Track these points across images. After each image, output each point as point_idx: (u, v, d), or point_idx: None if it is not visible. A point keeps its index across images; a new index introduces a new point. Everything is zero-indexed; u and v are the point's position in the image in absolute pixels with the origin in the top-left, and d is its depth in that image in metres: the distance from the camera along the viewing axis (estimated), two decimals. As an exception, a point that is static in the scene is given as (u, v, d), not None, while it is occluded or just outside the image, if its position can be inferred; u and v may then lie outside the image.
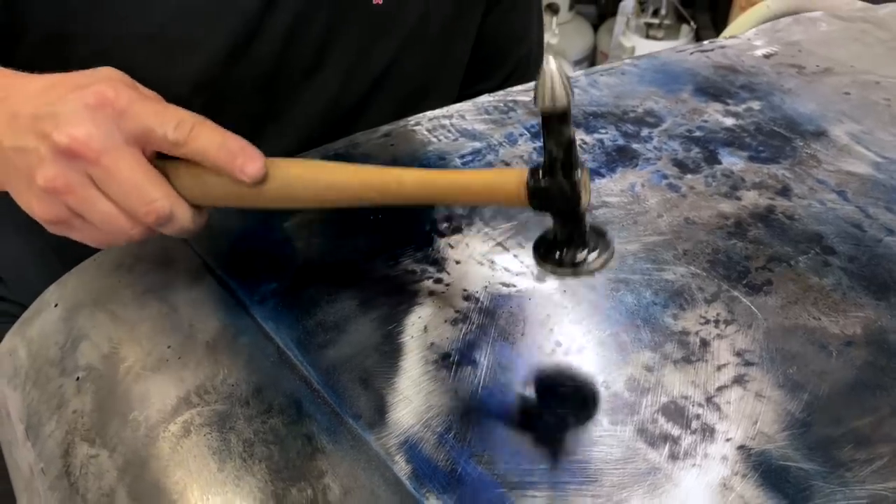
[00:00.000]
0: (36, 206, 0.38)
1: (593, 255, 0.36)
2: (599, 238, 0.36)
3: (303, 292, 0.43)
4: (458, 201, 0.41)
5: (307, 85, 0.57)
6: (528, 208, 0.36)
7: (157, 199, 0.38)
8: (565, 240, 0.36)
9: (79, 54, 0.42)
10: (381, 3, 0.56)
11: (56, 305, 0.47)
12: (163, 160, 0.40)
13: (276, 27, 0.53)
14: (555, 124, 0.33)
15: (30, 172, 0.37)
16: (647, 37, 1.99)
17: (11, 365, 0.46)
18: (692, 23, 2.02)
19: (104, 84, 0.37)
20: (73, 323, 0.45)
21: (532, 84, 0.63)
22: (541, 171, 0.35)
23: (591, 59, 2.15)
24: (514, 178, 0.36)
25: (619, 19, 2.04)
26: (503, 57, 0.70)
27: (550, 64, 0.32)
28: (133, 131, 0.37)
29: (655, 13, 2.02)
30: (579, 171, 0.34)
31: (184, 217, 0.39)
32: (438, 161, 0.53)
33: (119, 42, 0.46)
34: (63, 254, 0.47)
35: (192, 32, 0.51)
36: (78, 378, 0.42)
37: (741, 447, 0.33)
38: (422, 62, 0.60)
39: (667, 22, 2.01)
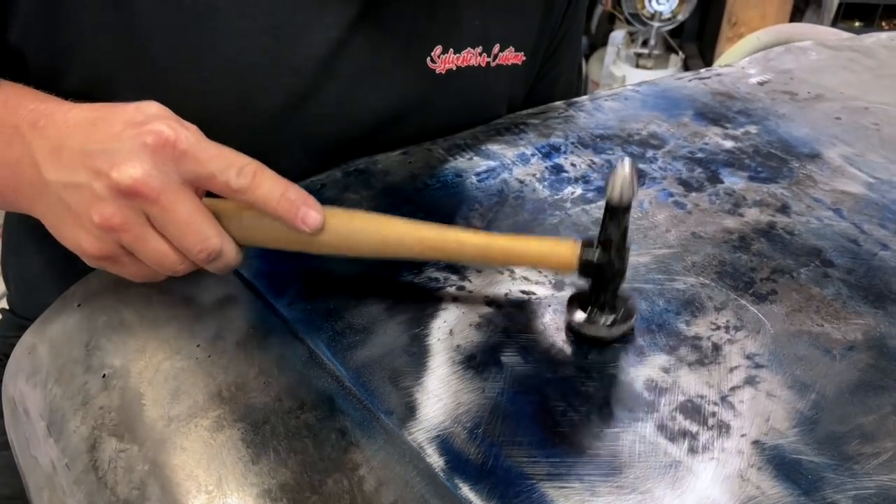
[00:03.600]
0: (86, 242, 0.39)
1: (620, 320, 0.40)
2: (624, 303, 0.41)
3: (330, 297, 0.44)
4: (513, 265, 0.45)
5: (358, 149, 0.56)
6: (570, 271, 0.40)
7: (210, 238, 0.39)
8: (599, 303, 0.40)
9: (122, 99, 0.42)
10: (444, 72, 0.57)
11: (79, 305, 0.47)
12: (210, 199, 0.41)
13: (331, 92, 0.53)
14: (619, 214, 0.38)
15: (83, 209, 0.38)
16: (637, 66, 2.05)
17: (30, 363, 0.47)
18: (680, 52, 2.08)
19: (161, 123, 0.37)
20: (98, 322, 0.46)
21: (541, 108, 0.66)
22: (596, 245, 0.39)
23: (583, 88, 2.21)
24: (568, 250, 0.40)
25: (610, 49, 2.10)
26: None
27: (625, 166, 0.36)
28: (193, 174, 0.38)
29: (645, 43, 2.08)
30: (628, 251, 0.39)
31: (230, 254, 0.40)
32: (455, 178, 0.55)
33: (166, 93, 0.45)
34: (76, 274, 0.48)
35: (243, 88, 0.50)
36: (104, 375, 0.43)
37: (756, 442, 0.35)
38: (469, 126, 0.61)
39: (656, 52, 2.08)
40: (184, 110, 0.39)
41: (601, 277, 0.40)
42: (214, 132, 0.39)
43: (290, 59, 0.51)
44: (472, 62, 0.58)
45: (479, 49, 0.58)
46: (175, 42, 0.48)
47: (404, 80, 0.56)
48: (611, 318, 0.40)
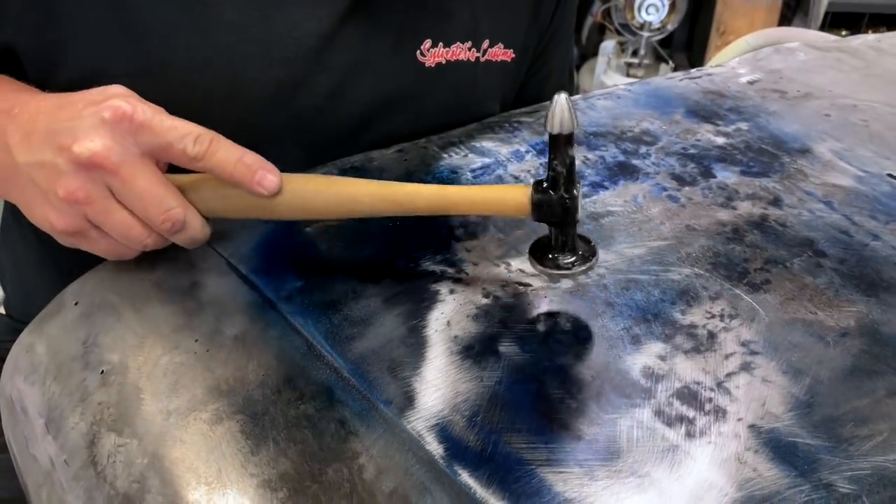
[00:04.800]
0: (54, 217, 0.40)
1: (581, 260, 0.41)
2: (586, 246, 0.42)
3: (328, 291, 0.44)
4: (468, 211, 0.44)
5: (350, 144, 0.57)
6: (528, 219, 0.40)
7: (173, 207, 0.40)
8: (559, 246, 0.41)
9: None
10: (433, 65, 0.58)
11: (76, 304, 0.47)
12: (172, 173, 0.42)
13: (322, 83, 0.54)
14: (561, 145, 0.38)
15: (49, 185, 0.39)
16: (628, 75, 2.07)
17: (29, 362, 0.47)
18: (670, 62, 2.10)
19: (119, 99, 0.39)
20: (96, 319, 0.46)
21: (534, 107, 0.67)
22: (544, 185, 0.40)
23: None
24: (519, 192, 0.40)
25: (601, 59, 2.12)
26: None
27: (561, 95, 0.37)
28: (151, 145, 0.39)
29: (635, 53, 2.11)
30: (578, 186, 0.39)
31: (196, 225, 0.41)
32: (451, 174, 0.55)
33: (159, 81, 0.47)
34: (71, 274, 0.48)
35: (234, 80, 0.51)
36: (103, 371, 0.43)
37: (752, 426, 0.36)
38: (461, 123, 0.62)
39: (646, 61, 2.10)
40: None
41: (553, 215, 0.40)
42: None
43: (281, 50, 0.52)
44: (462, 56, 0.59)
45: (469, 44, 0.59)
46: (168, 34, 0.49)
47: (394, 73, 0.56)
48: (571, 258, 0.41)
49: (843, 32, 2.32)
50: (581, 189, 0.40)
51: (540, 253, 0.42)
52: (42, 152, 0.39)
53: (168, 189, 0.40)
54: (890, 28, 2.27)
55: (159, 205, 0.40)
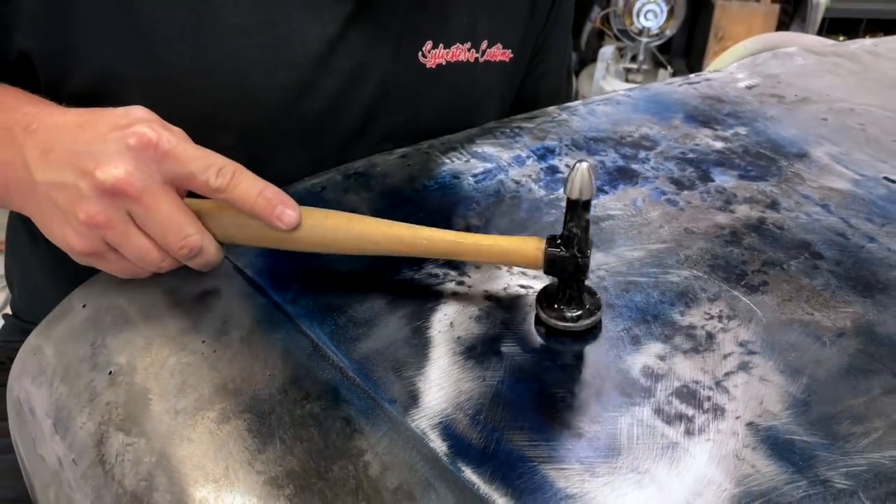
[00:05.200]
0: (72, 239, 0.40)
1: (587, 314, 0.42)
2: (592, 298, 0.42)
3: (332, 293, 0.45)
4: (481, 260, 0.45)
5: (353, 144, 0.58)
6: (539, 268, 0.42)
7: (191, 235, 0.40)
8: (566, 299, 0.42)
9: (128, 97, 0.43)
10: (434, 66, 0.59)
11: (84, 306, 0.48)
12: (191, 199, 0.42)
13: (328, 86, 0.55)
14: (579, 210, 0.39)
15: (70, 207, 0.39)
16: (627, 81, 2.08)
17: (36, 363, 0.47)
18: (669, 67, 2.12)
19: (144, 126, 0.39)
20: (103, 321, 0.46)
21: (534, 113, 0.68)
22: (558, 241, 0.41)
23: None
24: (532, 246, 0.41)
25: (600, 65, 2.14)
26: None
27: (583, 164, 0.38)
28: (174, 174, 0.39)
29: (634, 59, 2.12)
30: (591, 248, 0.40)
31: (211, 251, 0.42)
32: (453, 179, 0.56)
33: (168, 91, 0.47)
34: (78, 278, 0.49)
35: (243, 84, 0.52)
36: (111, 372, 0.43)
37: (750, 424, 0.36)
38: (461, 123, 0.63)
39: (644, 67, 2.11)
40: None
41: (565, 272, 0.41)
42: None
43: (288, 54, 0.53)
44: (461, 57, 0.60)
45: (468, 45, 0.60)
46: (176, 40, 0.50)
47: (396, 75, 0.58)
48: (577, 312, 0.41)
49: (841, 38, 2.33)
50: (592, 249, 0.41)
51: (546, 302, 0.42)
52: (63, 173, 0.39)
53: (187, 216, 0.41)
54: (887, 33, 2.28)
55: (178, 232, 0.40)
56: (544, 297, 0.43)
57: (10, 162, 0.41)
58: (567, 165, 0.58)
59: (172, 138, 0.39)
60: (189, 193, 0.43)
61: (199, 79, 0.51)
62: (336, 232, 0.42)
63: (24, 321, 0.68)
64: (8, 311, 0.73)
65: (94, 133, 0.39)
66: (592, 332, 0.42)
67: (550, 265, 0.41)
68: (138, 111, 0.41)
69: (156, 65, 0.50)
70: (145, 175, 0.39)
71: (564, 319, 0.41)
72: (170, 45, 0.50)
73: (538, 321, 0.42)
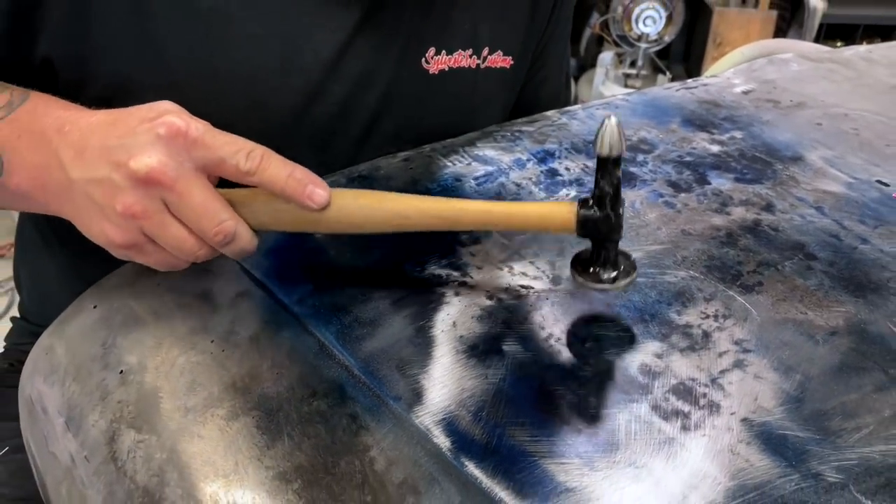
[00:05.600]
0: (111, 232, 0.41)
1: (623, 274, 0.43)
2: (627, 260, 0.43)
3: (338, 294, 0.46)
4: (514, 229, 0.45)
5: (359, 148, 0.60)
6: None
7: (225, 220, 0.41)
8: (601, 261, 0.42)
9: (143, 102, 0.44)
10: (436, 72, 0.60)
11: (95, 307, 0.49)
12: (223, 189, 0.43)
13: (336, 92, 0.57)
14: (609, 167, 0.40)
15: (106, 200, 0.40)
16: (626, 86, 2.09)
17: (48, 363, 0.48)
18: (668, 73, 2.13)
19: (172, 115, 0.40)
20: (114, 321, 0.47)
21: (534, 117, 0.69)
22: (591, 202, 0.41)
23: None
24: (565, 209, 0.41)
25: (599, 70, 2.15)
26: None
27: (612, 119, 0.39)
28: (204, 160, 0.40)
29: (633, 64, 2.13)
30: (623, 205, 0.41)
31: (245, 237, 0.43)
32: (455, 182, 0.57)
33: (183, 93, 0.47)
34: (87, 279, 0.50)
35: (255, 91, 0.54)
36: (122, 371, 0.44)
37: (744, 420, 0.37)
38: (463, 127, 0.64)
39: (643, 72, 2.13)
40: (200, 113, 0.42)
41: (600, 234, 0.41)
42: (231, 132, 0.42)
43: (299, 61, 0.54)
44: (463, 63, 0.61)
45: (470, 51, 0.62)
46: (191, 48, 0.51)
47: (400, 80, 0.59)
48: (613, 273, 0.42)
49: (839, 43, 2.34)
50: (624, 208, 0.41)
51: (581, 266, 0.43)
52: (98, 169, 0.40)
53: (220, 203, 0.41)
54: (884, 39, 2.30)
55: (213, 218, 0.41)
56: (579, 262, 0.43)
57: (45, 164, 0.43)
58: (567, 168, 0.59)
59: (200, 126, 0.40)
60: (220, 182, 0.44)
61: (213, 86, 0.52)
62: (368, 210, 0.43)
63: (33, 324, 0.69)
64: (15, 313, 0.74)
65: (124, 128, 0.40)
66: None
67: (584, 227, 0.41)
68: (165, 104, 0.41)
69: (170, 72, 0.52)
70: (177, 163, 0.39)
71: (601, 281, 0.42)
72: (184, 53, 0.51)
73: (575, 279, 0.43)
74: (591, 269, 0.42)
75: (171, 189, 0.40)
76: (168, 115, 0.40)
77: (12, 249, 2.13)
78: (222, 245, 0.42)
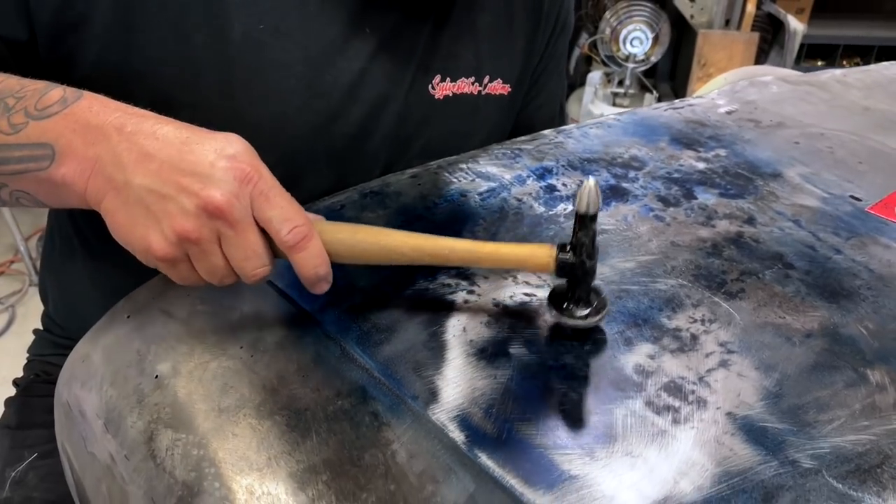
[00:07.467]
0: (156, 242, 0.42)
1: (594, 312, 0.47)
2: (598, 297, 0.47)
3: (357, 303, 0.50)
4: (497, 266, 0.49)
5: (373, 164, 0.65)
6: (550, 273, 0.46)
7: (266, 265, 0.44)
8: (575, 298, 0.47)
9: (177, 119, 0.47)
10: (441, 98, 0.65)
11: (128, 317, 0.53)
12: None
13: (354, 114, 0.61)
14: (587, 222, 0.44)
15: (166, 216, 0.42)
16: (614, 104, 2.15)
17: (85, 370, 0.51)
18: (654, 91, 2.19)
19: (247, 162, 0.42)
20: (148, 330, 0.51)
21: (533, 136, 0.73)
22: (568, 249, 0.45)
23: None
24: (545, 253, 0.46)
25: (588, 89, 2.21)
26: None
27: (590, 181, 0.43)
28: (259, 212, 0.43)
29: (620, 83, 2.19)
30: (597, 255, 0.45)
31: (267, 273, 0.45)
32: (460, 197, 0.61)
33: (214, 116, 0.49)
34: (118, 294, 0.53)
35: (281, 112, 0.58)
36: (157, 376, 0.48)
37: (728, 413, 0.41)
38: (465, 147, 0.69)
39: (631, 91, 2.18)
40: (227, 130, 0.44)
41: (574, 276, 0.46)
42: (258, 150, 0.45)
43: (321, 85, 0.59)
44: (466, 90, 0.66)
45: (472, 79, 0.67)
46: (225, 72, 0.55)
47: (410, 104, 0.64)
48: (586, 310, 0.46)
49: (819, 62, 2.42)
50: (598, 255, 0.45)
51: (556, 301, 0.47)
52: (165, 185, 0.41)
53: (266, 249, 0.44)
54: (863, 58, 2.37)
55: (257, 261, 0.44)
56: (555, 296, 0.47)
57: (99, 158, 0.43)
58: (563, 184, 0.63)
59: (270, 179, 0.43)
60: None
61: (244, 108, 0.57)
62: (364, 245, 0.47)
63: (57, 336, 0.72)
64: (14, 330, 0.77)
65: (200, 156, 0.42)
66: (591, 336, 0.47)
67: (561, 269, 0.46)
68: (238, 142, 0.43)
69: (204, 94, 0.56)
70: (243, 206, 0.42)
71: (574, 317, 0.46)
72: (218, 77, 0.56)
73: (549, 320, 0.47)
74: (566, 305, 0.47)
75: (232, 226, 0.42)
76: (243, 158, 0.42)
77: (12, 266, 2.15)
78: (252, 280, 0.45)
